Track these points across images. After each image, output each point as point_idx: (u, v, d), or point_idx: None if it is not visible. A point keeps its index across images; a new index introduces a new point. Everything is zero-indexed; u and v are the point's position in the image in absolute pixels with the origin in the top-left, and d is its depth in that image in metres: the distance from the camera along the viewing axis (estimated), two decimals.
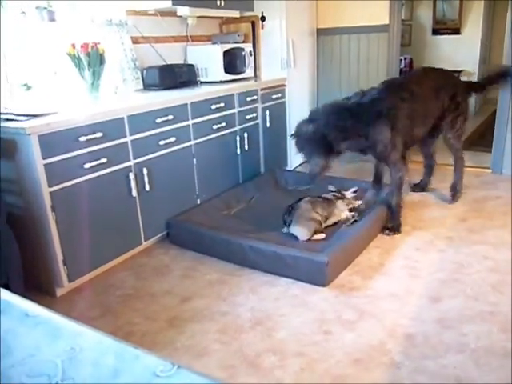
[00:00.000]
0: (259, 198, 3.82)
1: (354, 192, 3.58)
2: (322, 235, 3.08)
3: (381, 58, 4.82)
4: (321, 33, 5.04)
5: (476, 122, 6.69)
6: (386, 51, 4.78)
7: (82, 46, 3.02)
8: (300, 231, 3.06)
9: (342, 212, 3.28)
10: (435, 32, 7.88)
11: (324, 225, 3.16)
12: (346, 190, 3.56)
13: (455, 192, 3.77)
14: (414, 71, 4.05)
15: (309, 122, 3.09)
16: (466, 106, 3.65)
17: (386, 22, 4.69)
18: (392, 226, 3.25)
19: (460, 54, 7.58)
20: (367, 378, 1.90)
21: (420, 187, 4.07)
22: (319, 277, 2.59)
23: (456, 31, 7.68)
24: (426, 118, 3.38)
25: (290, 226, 3.09)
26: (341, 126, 3.03)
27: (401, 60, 6.83)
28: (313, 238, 3.05)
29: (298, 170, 4.81)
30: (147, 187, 2.98)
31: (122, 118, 2.77)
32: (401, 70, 6.75)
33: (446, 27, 7.77)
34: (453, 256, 2.90)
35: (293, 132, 3.21)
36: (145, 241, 3.10)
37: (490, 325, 2.20)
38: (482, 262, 2.80)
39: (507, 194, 3.74)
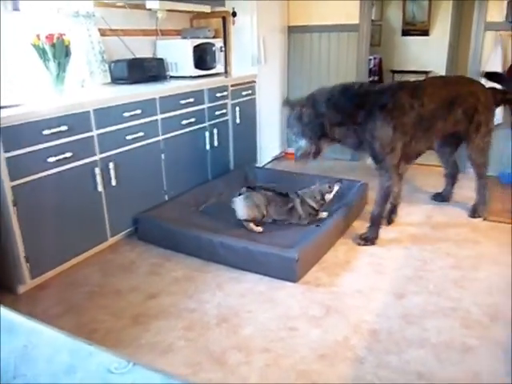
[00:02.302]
0: (229, 194, 3.80)
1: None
2: (260, 229, 3.15)
3: (350, 57, 4.88)
4: (292, 30, 5.06)
5: None
6: (355, 50, 4.84)
7: (47, 37, 2.93)
8: (241, 208, 3.17)
9: (299, 213, 3.23)
10: (405, 33, 8.01)
11: (269, 218, 3.23)
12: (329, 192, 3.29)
13: (476, 214, 3.51)
14: (429, 79, 3.71)
15: (306, 100, 2.96)
16: (487, 117, 3.29)
17: (357, 21, 4.75)
18: (367, 236, 3.11)
19: (428, 54, 7.74)
20: (331, 374, 1.92)
21: (441, 197, 3.83)
22: (289, 273, 2.61)
23: (425, 32, 7.83)
24: (429, 133, 3.12)
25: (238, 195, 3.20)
26: (341, 106, 2.88)
27: (370, 60, 6.93)
28: (250, 225, 3.14)
29: (267, 166, 4.82)
30: (113, 182, 2.93)
31: (88, 112, 2.72)
32: (370, 69, 6.85)
33: (416, 28, 7.91)
34: (417, 253, 2.96)
35: (285, 103, 3.06)
36: (111, 237, 3.05)
37: (451, 320, 2.26)
38: (445, 258, 2.87)
39: (470, 192, 3.81)
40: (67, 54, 3.04)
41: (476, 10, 4.29)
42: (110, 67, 3.59)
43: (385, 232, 3.22)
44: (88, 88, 3.37)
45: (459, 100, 3.14)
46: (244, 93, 4.32)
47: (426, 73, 7.66)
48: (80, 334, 2.23)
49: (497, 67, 4.21)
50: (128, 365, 0.68)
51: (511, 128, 4.32)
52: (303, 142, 3.02)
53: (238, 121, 4.23)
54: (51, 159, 2.51)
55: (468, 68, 4.47)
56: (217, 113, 3.94)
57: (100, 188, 2.85)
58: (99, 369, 0.68)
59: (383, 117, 2.87)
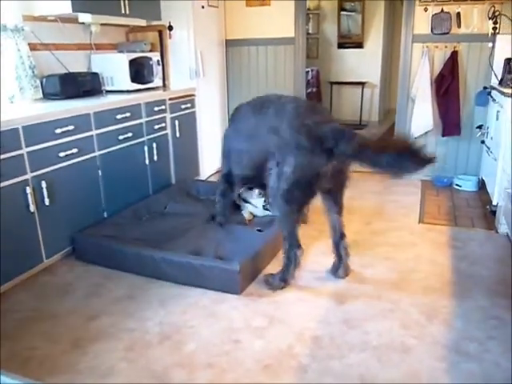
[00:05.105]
0: (171, 208, 3.75)
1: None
2: None
3: (288, 70, 4.97)
4: (230, 44, 5.11)
5: (380, 129, 7.18)
6: (292, 63, 4.93)
7: None
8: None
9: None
10: (341, 45, 8.24)
11: None
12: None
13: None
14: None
15: None
16: (293, 161, 2.37)
17: (292, 34, 4.85)
18: None
19: (364, 66, 8.01)
20: None
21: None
22: (232, 285, 2.59)
23: (359, 45, 8.09)
24: (247, 157, 2.83)
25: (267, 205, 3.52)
26: None
27: (308, 72, 7.08)
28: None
29: (211, 179, 4.80)
30: (47, 201, 2.81)
31: (17, 129, 2.60)
32: (308, 81, 6.99)
33: (351, 41, 8.16)
34: (357, 258, 3.01)
35: None
36: (47, 258, 2.92)
37: (390, 322, 2.32)
38: (384, 262, 2.95)
39: (405, 197, 3.95)
40: None
41: (404, 22, 4.50)
42: (41, 82, 3.47)
43: (327, 240, 3.26)
44: (18, 104, 3.24)
45: (273, 127, 2.51)
46: (183, 106, 4.29)
47: (362, 84, 7.92)
48: (14, 362, 2.11)
49: (425, 77, 4.43)
50: None
51: (442, 134, 4.53)
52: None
53: (177, 134, 4.19)
54: None
55: (399, 78, 4.67)
56: (155, 127, 3.88)
57: (32, 208, 2.73)
58: None
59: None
